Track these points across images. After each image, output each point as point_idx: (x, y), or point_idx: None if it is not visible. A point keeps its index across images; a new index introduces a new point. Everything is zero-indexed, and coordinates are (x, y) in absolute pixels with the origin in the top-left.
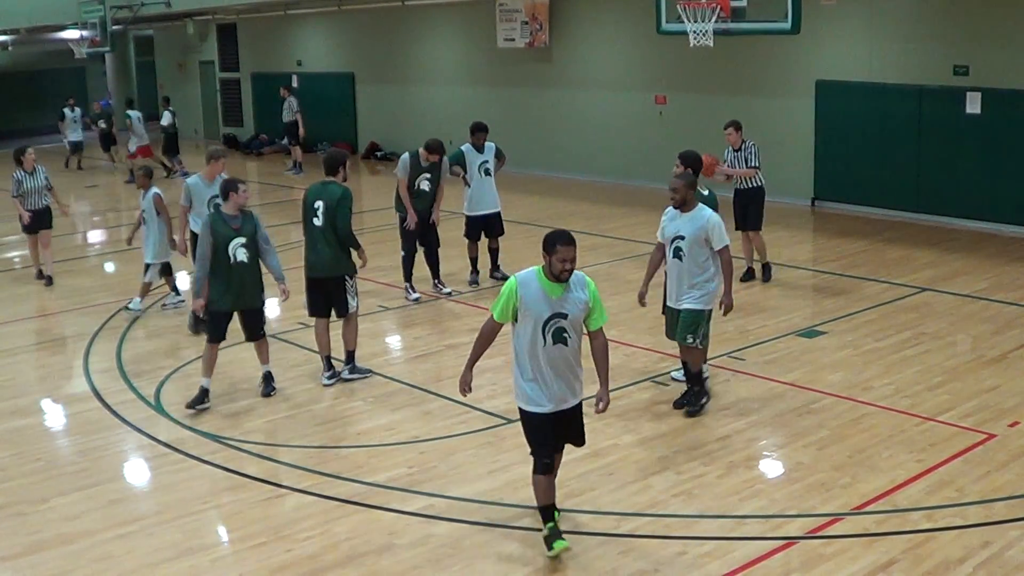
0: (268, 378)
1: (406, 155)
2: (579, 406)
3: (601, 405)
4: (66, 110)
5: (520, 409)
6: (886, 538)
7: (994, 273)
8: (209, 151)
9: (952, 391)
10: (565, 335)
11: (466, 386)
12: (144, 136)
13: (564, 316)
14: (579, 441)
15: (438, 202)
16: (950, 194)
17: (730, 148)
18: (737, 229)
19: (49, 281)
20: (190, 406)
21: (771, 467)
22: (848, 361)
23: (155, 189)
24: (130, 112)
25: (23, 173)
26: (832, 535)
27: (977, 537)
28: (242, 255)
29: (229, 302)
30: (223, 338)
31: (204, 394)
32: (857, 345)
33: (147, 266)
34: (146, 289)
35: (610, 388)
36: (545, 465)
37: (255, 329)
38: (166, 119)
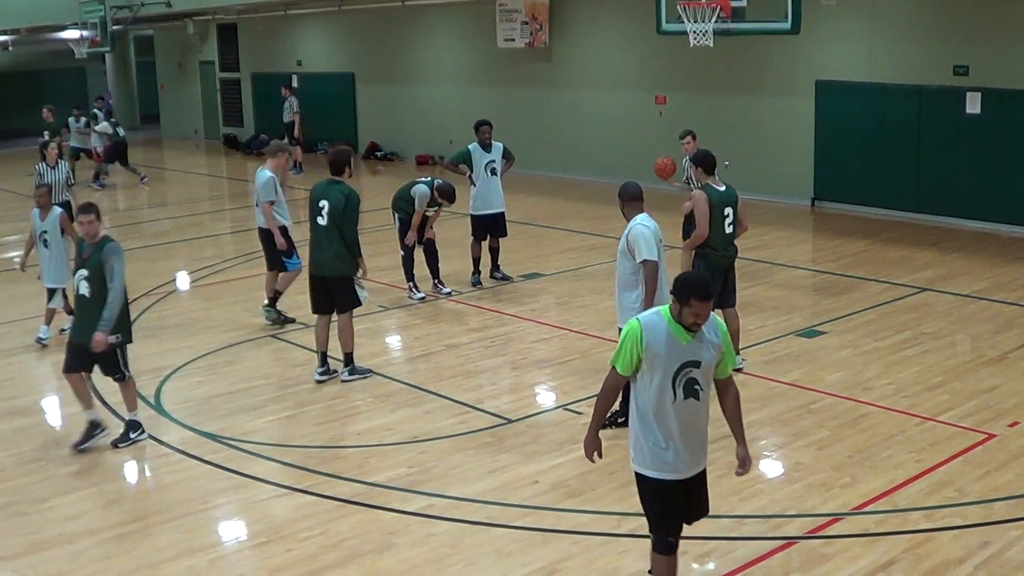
0: (129, 427)
1: (426, 189)
2: (704, 472)
3: (744, 468)
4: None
5: (641, 476)
6: (886, 538)
7: (994, 273)
8: (271, 146)
9: (952, 391)
10: (697, 387)
11: (594, 451)
12: (83, 140)
13: (696, 364)
14: (705, 510)
15: (433, 219)
16: (950, 194)
17: (686, 157)
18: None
19: None
20: (76, 445)
21: (771, 467)
22: (848, 361)
23: (60, 208)
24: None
25: (45, 167)
26: (832, 535)
27: (977, 537)
28: (83, 288)
29: (74, 334)
30: (75, 370)
31: (92, 428)
32: (857, 345)
33: (51, 292)
34: (51, 316)
35: None
36: (669, 544)
37: (104, 370)
38: (105, 128)
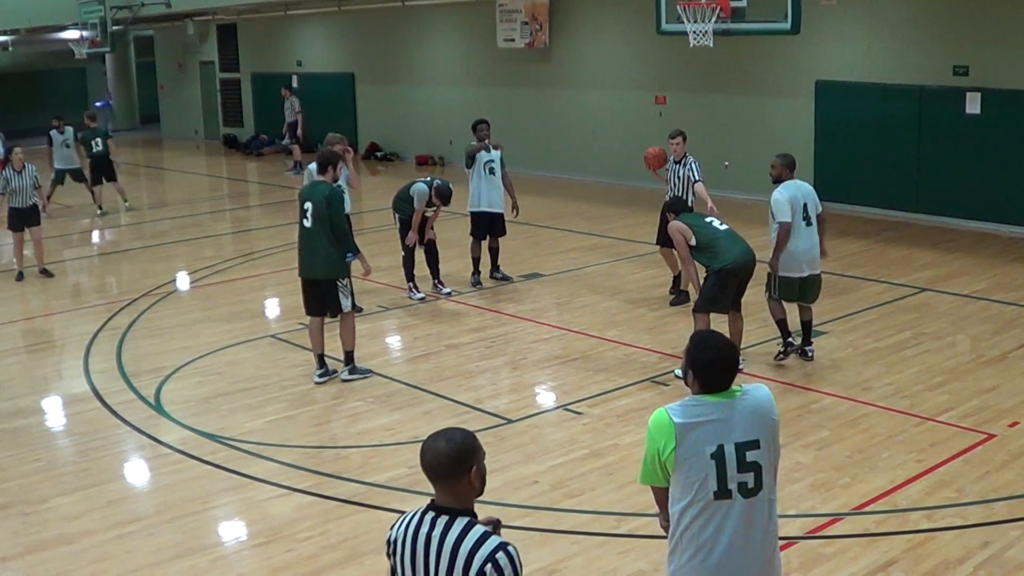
0: None
1: (424, 188)
2: None
3: None
4: (54, 132)
5: None
6: (886, 538)
7: (994, 273)
8: (328, 138)
9: (952, 391)
10: None
11: None
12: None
13: None
14: None
15: (433, 219)
16: (950, 194)
17: (672, 159)
18: (658, 243)
19: (48, 273)
20: None
21: None
22: (848, 361)
23: None
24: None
25: (12, 171)
26: (832, 535)
27: (977, 537)
28: None
29: None
30: None
31: None
32: (857, 345)
33: None
34: None
35: (610, 388)
36: None
37: None
38: None
